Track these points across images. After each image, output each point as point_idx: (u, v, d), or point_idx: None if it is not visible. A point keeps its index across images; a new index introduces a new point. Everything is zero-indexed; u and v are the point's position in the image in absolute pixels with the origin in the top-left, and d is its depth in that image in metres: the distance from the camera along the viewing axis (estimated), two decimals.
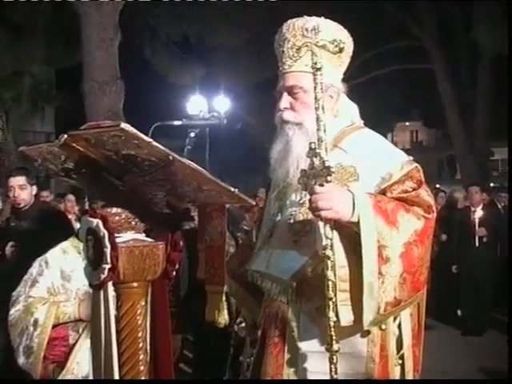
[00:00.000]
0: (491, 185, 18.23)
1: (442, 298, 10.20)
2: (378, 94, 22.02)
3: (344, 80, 2.88)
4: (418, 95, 23.58)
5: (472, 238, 9.91)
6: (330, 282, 2.37)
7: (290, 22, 2.77)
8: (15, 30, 18.28)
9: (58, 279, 3.74)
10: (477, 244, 9.88)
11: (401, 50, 19.75)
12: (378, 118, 23.05)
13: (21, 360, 3.54)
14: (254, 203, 2.25)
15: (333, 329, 2.38)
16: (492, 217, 10.04)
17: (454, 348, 8.82)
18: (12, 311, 3.69)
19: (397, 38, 19.29)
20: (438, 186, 18.73)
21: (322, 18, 2.76)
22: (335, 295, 2.43)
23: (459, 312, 10.33)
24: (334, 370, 2.38)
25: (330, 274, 2.37)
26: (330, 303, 2.37)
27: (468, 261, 9.93)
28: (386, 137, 3.04)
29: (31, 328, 3.47)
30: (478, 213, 9.92)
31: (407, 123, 50.23)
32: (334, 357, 2.37)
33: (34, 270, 3.86)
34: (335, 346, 2.37)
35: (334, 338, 2.37)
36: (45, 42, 17.91)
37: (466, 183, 13.15)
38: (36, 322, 3.48)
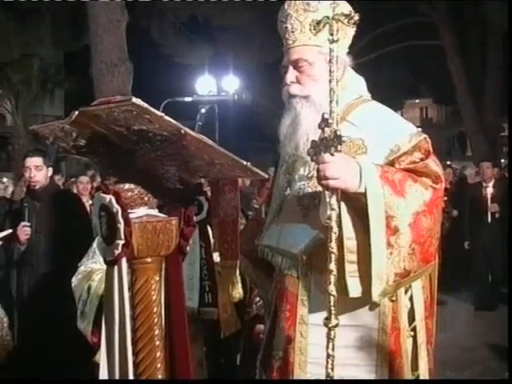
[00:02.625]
0: (502, 161, 18.15)
1: (454, 273, 10.20)
2: (388, 72, 21.94)
3: (352, 55, 2.89)
4: (427, 72, 23.46)
5: (484, 213, 9.91)
6: (333, 255, 2.35)
7: None
8: (23, 14, 18.26)
9: None
10: (489, 220, 9.88)
11: (410, 27, 19.60)
12: (387, 95, 22.90)
13: (79, 323, 3.72)
14: (266, 176, 2.25)
15: (332, 302, 2.35)
16: (504, 192, 10.00)
17: (466, 323, 8.84)
18: (73, 279, 3.85)
19: (406, 15, 19.14)
20: (448, 162, 18.66)
21: None
22: (342, 267, 2.44)
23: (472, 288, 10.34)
24: (331, 345, 2.35)
25: (332, 245, 2.36)
26: (331, 276, 2.35)
27: (480, 237, 9.94)
28: None
29: (85, 295, 3.66)
30: (490, 188, 9.90)
31: (417, 100, 49.91)
32: (332, 332, 2.34)
33: (94, 243, 4.02)
34: (334, 321, 2.34)
35: (332, 312, 2.34)
36: (52, 25, 17.92)
37: (477, 160, 13.10)
38: (89, 289, 3.66)
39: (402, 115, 3.04)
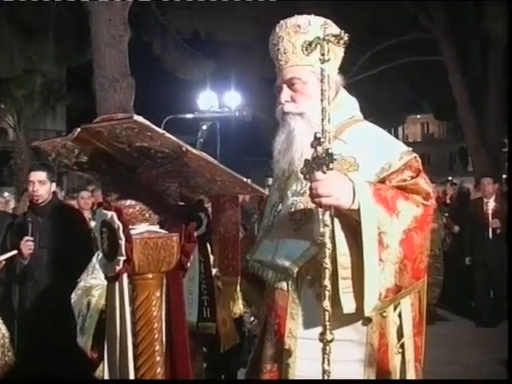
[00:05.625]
0: (504, 176, 18.12)
1: (455, 289, 10.20)
2: (389, 87, 21.98)
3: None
4: (428, 87, 23.44)
5: (485, 229, 9.89)
6: (327, 271, 2.37)
7: (282, 22, 2.91)
8: (25, 29, 18.35)
9: None
10: (490, 235, 9.86)
11: (411, 43, 19.66)
12: (388, 110, 23.04)
13: (78, 339, 3.74)
14: (267, 193, 2.28)
15: (327, 318, 2.37)
16: (505, 208, 9.99)
17: (468, 340, 8.81)
18: (73, 295, 3.90)
19: (407, 31, 19.21)
20: (450, 178, 18.67)
21: (312, 15, 2.88)
22: (334, 283, 2.45)
23: (473, 304, 10.31)
24: (326, 361, 2.37)
25: (326, 262, 2.37)
26: (326, 292, 2.37)
27: (481, 252, 9.92)
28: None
29: (85, 310, 3.70)
30: (491, 204, 9.90)
31: (418, 116, 49.98)
32: (328, 347, 2.37)
33: (94, 258, 4.05)
34: (329, 336, 2.36)
35: (328, 327, 2.36)
36: (55, 41, 17.97)
37: (478, 175, 13.11)
38: (89, 304, 3.68)
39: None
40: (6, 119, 29.26)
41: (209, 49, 20.69)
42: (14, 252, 5.45)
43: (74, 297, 3.94)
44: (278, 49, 2.88)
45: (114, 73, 11.94)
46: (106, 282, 3.86)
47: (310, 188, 2.44)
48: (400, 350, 2.76)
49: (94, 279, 3.95)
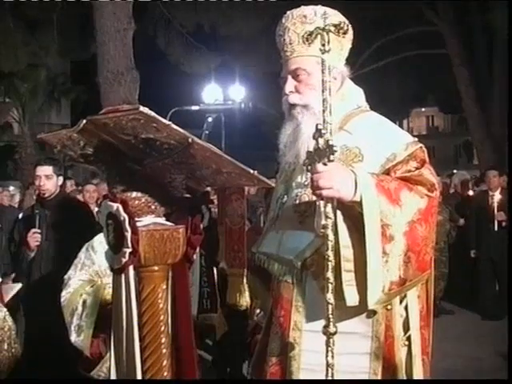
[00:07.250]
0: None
1: (460, 282, 10.17)
2: (394, 80, 21.93)
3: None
4: (433, 80, 23.38)
5: (491, 222, 9.84)
6: (330, 263, 2.35)
7: (288, 12, 2.89)
8: (30, 23, 18.35)
9: (104, 263, 3.88)
10: (496, 228, 9.82)
11: (416, 36, 19.61)
12: (393, 103, 22.95)
13: (73, 338, 3.75)
14: (273, 185, 2.28)
15: (330, 311, 2.35)
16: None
17: (473, 333, 8.79)
18: (63, 293, 3.92)
19: (412, 24, 19.16)
20: (454, 171, 18.61)
21: (319, 5, 2.84)
22: (338, 276, 2.44)
23: (478, 297, 10.29)
24: (330, 353, 2.35)
25: (329, 254, 2.35)
26: (329, 285, 2.35)
27: (487, 245, 9.88)
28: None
29: (80, 308, 3.67)
30: (497, 197, 9.86)
31: (423, 109, 49.78)
32: (331, 340, 2.34)
33: (82, 254, 4.03)
34: (332, 329, 2.34)
35: (331, 320, 2.34)
36: (59, 35, 17.96)
37: (484, 168, 13.07)
38: (84, 302, 3.66)
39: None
40: (10, 113, 29.28)
41: (213, 42, 20.65)
42: (19, 285, 5.47)
43: (64, 295, 3.90)
44: (284, 39, 2.86)
45: (118, 66, 11.92)
46: (96, 278, 3.87)
47: (312, 180, 2.42)
48: (406, 343, 2.74)
49: (84, 275, 3.93)
